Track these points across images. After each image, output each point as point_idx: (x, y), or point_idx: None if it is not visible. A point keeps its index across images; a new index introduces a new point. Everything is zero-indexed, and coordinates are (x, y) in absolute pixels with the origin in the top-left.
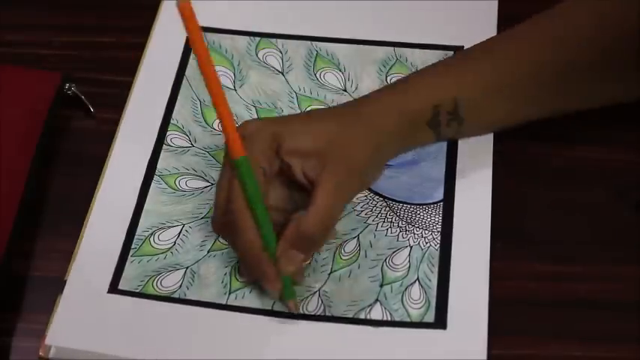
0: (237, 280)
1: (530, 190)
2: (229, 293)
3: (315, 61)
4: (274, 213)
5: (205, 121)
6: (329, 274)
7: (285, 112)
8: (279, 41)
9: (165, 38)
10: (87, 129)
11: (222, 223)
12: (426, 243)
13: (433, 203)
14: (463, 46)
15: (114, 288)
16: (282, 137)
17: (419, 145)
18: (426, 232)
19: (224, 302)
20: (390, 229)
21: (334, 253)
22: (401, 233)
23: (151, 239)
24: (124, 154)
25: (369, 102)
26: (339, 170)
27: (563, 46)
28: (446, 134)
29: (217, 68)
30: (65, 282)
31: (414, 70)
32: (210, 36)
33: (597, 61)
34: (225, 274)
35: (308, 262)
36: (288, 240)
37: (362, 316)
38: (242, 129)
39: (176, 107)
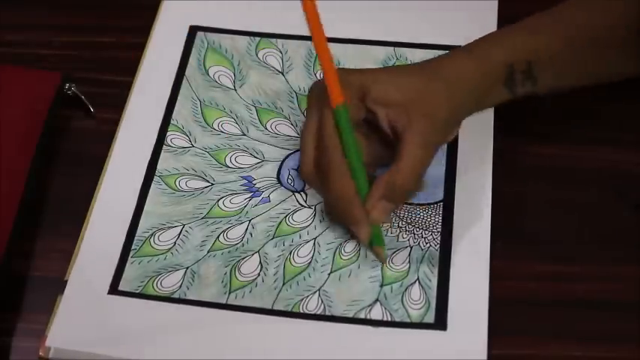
0: (237, 279)
1: (530, 190)
2: (229, 293)
3: (315, 61)
4: None
5: (205, 121)
6: (329, 274)
7: (286, 113)
8: (279, 41)
9: (166, 38)
10: (87, 129)
11: (313, 170)
12: (426, 243)
13: (433, 203)
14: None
15: (114, 289)
16: (368, 87)
17: (496, 102)
18: (426, 232)
19: (224, 302)
20: (390, 230)
21: (334, 252)
22: (401, 233)
23: (151, 240)
24: (124, 154)
25: (449, 61)
26: (425, 123)
27: (631, 10)
28: (521, 92)
29: (217, 68)
30: (65, 283)
31: None
32: (211, 36)
33: None
34: (225, 273)
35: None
36: (380, 190)
37: (362, 316)
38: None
39: (176, 107)
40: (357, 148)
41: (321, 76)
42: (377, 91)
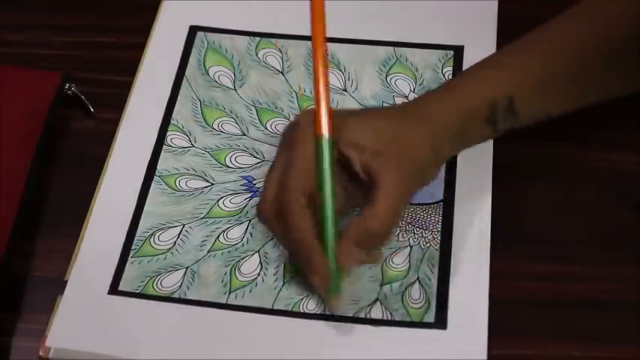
0: (237, 279)
1: (530, 191)
2: (229, 292)
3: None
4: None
5: (205, 121)
6: None
7: (286, 112)
8: (279, 41)
9: (166, 38)
10: (87, 129)
11: (273, 209)
12: (426, 243)
13: (433, 203)
14: (463, 46)
15: (114, 289)
16: (341, 129)
17: (479, 141)
18: (426, 231)
19: (224, 302)
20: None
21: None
22: (401, 233)
23: (151, 240)
24: (124, 154)
25: (428, 102)
26: (401, 169)
27: (609, 33)
28: (504, 128)
29: (217, 68)
30: (65, 283)
31: (414, 70)
32: (211, 36)
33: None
34: (225, 273)
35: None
36: (352, 236)
37: (362, 315)
38: (300, 116)
39: (176, 107)
40: (334, 186)
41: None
42: (350, 134)
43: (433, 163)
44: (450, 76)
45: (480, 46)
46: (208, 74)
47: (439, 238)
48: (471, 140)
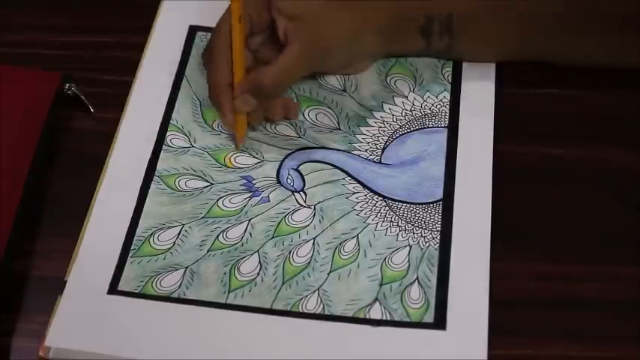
0: (237, 278)
1: (530, 190)
2: (229, 292)
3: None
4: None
5: (205, 121)
6: (328, 273)
7: None
8: None
9: (166, 38)
10: (87, 129)
11: (206, 53)
12: (426, 242)
13: (433, 202)
14: None
15: (113, 289)
16: None
17: (408, 50)
18: (426, 231)
19: (223, 301)
20: (389, 229)
21: (334, 252)
22: (400, 233)
23: (151, 240)
24: (124, 154)
25: None
26: (309, 39)
27: None
28: (437, 46)
29: None
30: (65, 283)
31: (413, 70)
32: None
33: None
34: (225, 273)
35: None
36: (244, 84)
37: (361, 315)
38: None
39: (176, 107)
40: (241, 41)
41: (322, 77)
42: (281, 2)
43: (353, 50)
44: (450, 77)
45: None
46: None
47: (439, 237)
48: (400, 46)
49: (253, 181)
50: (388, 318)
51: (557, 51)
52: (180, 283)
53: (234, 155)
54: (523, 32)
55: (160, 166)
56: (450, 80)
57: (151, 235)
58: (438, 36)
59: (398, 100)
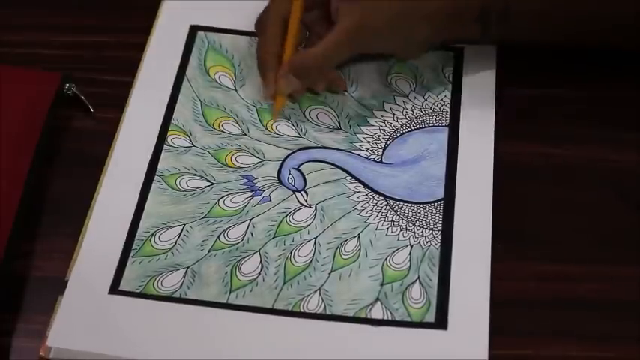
0: (238, 278)
1: (531, 190)
2: (230, 292)
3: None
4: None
5: (206, 120)
6: (329, 273)
7: (286, 113)
8: None
9: (166, 38)
10: (87, 129)
11: (260, 22)
12: (427, 242)
13: (434, 202)
14: (463, 48)
15: (115, 289)
16: None
17: (465, 38)
18: (427, 231)
19: (225, 301)
20: (390, 228)
21: (335, 252)
22: (401, 232)
23: (152, 239)
24: (125, 154)
25: None
26: (358, 21)
27: None
28: (492, 35)
29: (218, 68)
30: (66, 283)
31: (414, 69)
32: (211, 36)
33: None
34: (226, 273)
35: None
36: (288, 65)
37: (362, 315)
38: None
39: (177, 107)
40: (298, 18)
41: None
42: None
43: (404, 36)
44: (451, 76)
45: (480, 48)
46: (209, 74)
47: (440, 237)
48: (454, 33)
49: (254, 181)
50: (389, 318)
51: (615, 39)
52: (182, 283)
53: (235, 155)
54: (578, 19)
55: (161, 165)
56: (451, 79)
57: (152, 234)
58: (494, 25)
59: (399, 100)
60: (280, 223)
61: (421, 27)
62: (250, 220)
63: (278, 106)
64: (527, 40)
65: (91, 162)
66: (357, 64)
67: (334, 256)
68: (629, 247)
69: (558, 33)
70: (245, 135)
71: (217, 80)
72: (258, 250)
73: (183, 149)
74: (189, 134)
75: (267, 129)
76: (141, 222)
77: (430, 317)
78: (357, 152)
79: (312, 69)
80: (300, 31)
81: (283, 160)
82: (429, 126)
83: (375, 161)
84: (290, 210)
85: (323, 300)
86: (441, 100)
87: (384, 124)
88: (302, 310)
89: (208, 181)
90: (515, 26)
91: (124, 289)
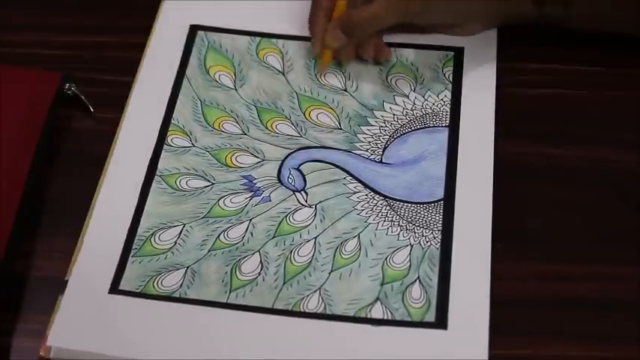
0: (238, 278)
1: (531, 190)
2: (230, 292)
3: (315, 61)
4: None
5: (206, 120)
6: (329, 273)
7: (287, 113)
8: (280, 41)
9: (166, 38)
10: (87, 129)
11: None
12: (427, 242)
13: (434, 202)
14: (463, 47)
15: (115, 288)
16: None
17: (519, 16)
18: (427, 231)
19: (224, 301)
20: (390, 228)
21: (335, 251)
22: (401, 232)
23: (152, 239)
24: (125, 154)
25: None
26: None
27: None
28: (550, 14)
29: (218, 68)
30: (66, 283)
31: (414, 69)
32: (211, 35)
33: None
34: (226, 272)
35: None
36: (337, 20)
37: (362, 314)
38: None
39: (177, 107)
40: None
41: (323, 77)
42: None
43: (451, 6)
44: (451, 76)
45: (480, 48)
46: (209, 74)
47: (440, 237)
48: (511, 10)
49: (254, 181)
50: (389, 317)
51: None
52: (182, 283)
53: (235, 155)
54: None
55: (161, 165)
56: (451, 79)
57: (152, 234)
58: (550, 4)
59: (399, 100)
60: (280, 223)
61: (476, 4)
62: (250, 220)
63: (325, 60)
64: (586, 25)
65: (91, 162)
66: (357, 64)
67: (334, 256)
68: (629, 247)
69: (620, 21)
70: (245, 134)
71: (217, 80)
72: (258, 250)
73: (183, 149)
74: (189, 134)
75: (267, 128)
76: (141, 222)
77: (430, 317)
78: (357, 152)
79: (360, 27)
80: None
81: (283, 160)
82: (429, 126)
83: (375, 161)
84: (290, 210)
85: (323, 300)
86: (441, 100)
87: (384, 124)
88: (302, 310)
89: (208, 181)
90: (573, 9)
91: (124, 289)
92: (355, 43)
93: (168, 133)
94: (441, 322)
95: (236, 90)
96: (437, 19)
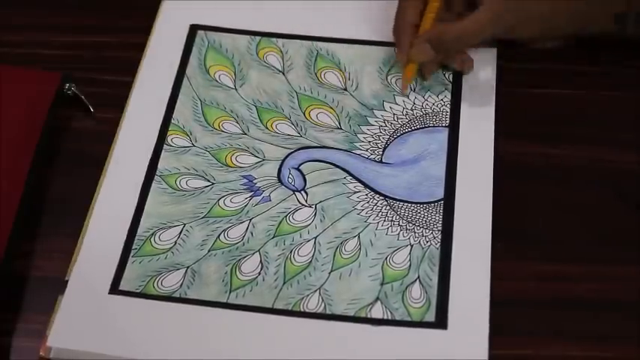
0: (238, 278)
1: (531, 190)
2: (230, 292)
3: (315, 60)
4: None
5: (206, 120)
6: (329, 273)
7: (286, 112)
8: (280, 41)
9: (166, 37)
10: (87, 129)
11: None
12: (427, 242)
13: (434, 202)
14: None
15: (115, 289)
16: None
17: (597, 28)
18: (427, 230)
19: (225, 301)
20: (390, 228)
21: (335, 251)
22: (401, 232)
23: (152, 239)
24: (125, 154)
25: None
26: (502, 9)
27: None
28: (631, 32)
29: (217, 68)
30: (66, 283)
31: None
32: (211, 35)
33: None
34: (226, 272)
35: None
36: (426, 34)
37: (362, 314)
38: None
39: (177, 107)
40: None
41: (323, 76)
42: None
43: (538, 25)
44: (451, 76)
45: (480, 48)
46: (209, 74)
47: (440, 237)
48: (593, 29)
49: (254, 181)
50: (389, 317)
51: None
52: (182, 283)
53: (235, 154)
54: None
55: (161, 165)
56: (451, 80)
57: (152, 234)
58: (632, 23)
59: (399, 100)
60: (280, 222)
61: (560, 20)
62: (250, 219)
63: (409, 74)
64: None
65: (91, 162)
66: (358, 64)
67: (334, 256)
68: (628, 247)
69: None
70: (245, 134)
71: (217, 79)
72: (258, 250)
73: (183, 149)
74: (189, 134)
75: (267, 128)
76: (141, 222)
77: (430, 317)
78: (357, 152)
79: (450, 43)
80: (441, 5)
81: (283, 160)
82: (429, 126)
83: (375, 161)
84: (290, 210)
85: (323, 300)
86: (441, 100)
87: (384, 124)
88: (302, 310)
89: (208, 181)
90: None
91: (124, 289)
92: (443, 57)
93: (168, 133)
94: (440, 322)
95: (236, 90)
96: (524, 35)
